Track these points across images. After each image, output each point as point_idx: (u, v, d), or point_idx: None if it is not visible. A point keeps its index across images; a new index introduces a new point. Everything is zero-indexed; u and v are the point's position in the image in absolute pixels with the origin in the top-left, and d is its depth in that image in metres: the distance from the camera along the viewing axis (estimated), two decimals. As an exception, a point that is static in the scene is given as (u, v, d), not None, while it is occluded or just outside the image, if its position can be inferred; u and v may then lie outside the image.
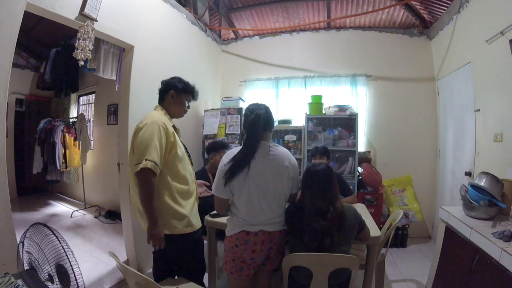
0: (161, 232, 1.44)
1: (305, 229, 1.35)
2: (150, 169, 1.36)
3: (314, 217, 1.34)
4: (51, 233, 1.10)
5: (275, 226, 1.44)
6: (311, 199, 1.37)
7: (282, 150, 1.46)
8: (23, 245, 1.23)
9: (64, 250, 1.06)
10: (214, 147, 2.62)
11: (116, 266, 1.23)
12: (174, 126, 1.64)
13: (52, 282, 1.16)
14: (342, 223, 1.36)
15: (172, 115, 1.66)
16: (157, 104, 1.66)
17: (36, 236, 1.16)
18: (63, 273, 1.10)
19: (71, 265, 1.05)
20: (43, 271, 1.17)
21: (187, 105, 1.70)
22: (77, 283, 1.05)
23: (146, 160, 1.36)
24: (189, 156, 1.70)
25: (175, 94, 1.62)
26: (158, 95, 1.67)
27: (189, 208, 1.57)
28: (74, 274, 1.05)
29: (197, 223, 1.61)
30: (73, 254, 1.08)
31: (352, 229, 1.42)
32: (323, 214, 1.33)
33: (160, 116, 1.55)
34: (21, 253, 1.25)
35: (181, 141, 1.65)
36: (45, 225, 1.14)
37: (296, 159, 3.30)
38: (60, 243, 1.07)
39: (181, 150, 1.58)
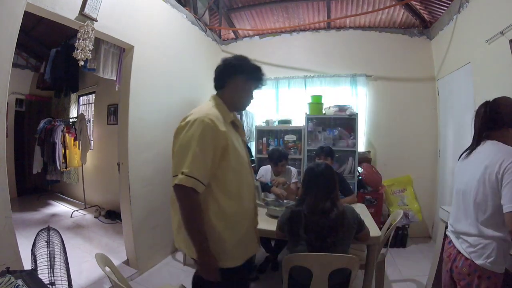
0: (213, 260, 1.09)
1: (308, 229, 1.35)
2: (190, 188, 1.03)
3: (319, 217, 1.35)
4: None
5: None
6: (315, 200, 1.39)
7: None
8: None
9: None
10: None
11: (117, 267, 1.22)
12: (234, 122, 1.26)
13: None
14: (343, 223, 1.37)
15: (235, 107, 1.27)
16: (213, 94, 1.29)
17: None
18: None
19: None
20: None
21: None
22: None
23: (182, 173, 1.03)
24: (251, 162, 1.34)
25: (245, 79, 1.23)
26: (215, 80, 1.28)
27: (237, 235, 1.17)
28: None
29: (240, 255, 1.18)
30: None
31: (351, 228, 1.43)
32: (327, 213, 1.35)
33: (209, 109, 1.15)
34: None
35: (243, 141, 1.29)
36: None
37: (296, 159, 3.42)
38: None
39: (238, 158, 1.18)
